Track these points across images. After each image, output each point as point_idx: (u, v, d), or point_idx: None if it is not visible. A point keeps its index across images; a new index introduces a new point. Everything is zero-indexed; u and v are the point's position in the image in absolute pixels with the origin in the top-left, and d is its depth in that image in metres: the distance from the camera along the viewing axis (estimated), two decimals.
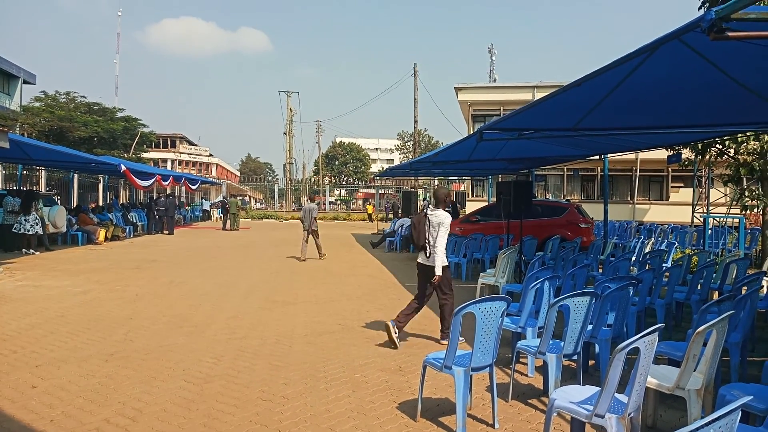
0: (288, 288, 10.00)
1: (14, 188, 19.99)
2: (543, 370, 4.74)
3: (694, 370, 3.59)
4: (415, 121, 41.74)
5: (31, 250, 14.53)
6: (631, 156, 25.34)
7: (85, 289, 9.37)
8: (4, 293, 8.94)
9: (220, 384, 4.75)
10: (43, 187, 25.89)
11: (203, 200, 45.41)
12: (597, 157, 12.97)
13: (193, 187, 33.82)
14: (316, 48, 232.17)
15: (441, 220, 6.07)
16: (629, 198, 28.10)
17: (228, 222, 27.38)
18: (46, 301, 8.34)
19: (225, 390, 4.61)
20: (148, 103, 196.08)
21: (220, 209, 32.07)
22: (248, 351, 5.82)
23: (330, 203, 53.59)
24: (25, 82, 37.80)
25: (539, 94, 24.34)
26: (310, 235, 14.45)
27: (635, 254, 10.77)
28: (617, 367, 2.95)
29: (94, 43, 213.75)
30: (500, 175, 21.00)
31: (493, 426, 3.96)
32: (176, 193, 38.03)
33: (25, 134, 29.66)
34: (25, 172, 23.72)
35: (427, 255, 6.16)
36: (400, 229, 18.46)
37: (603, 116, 7.48)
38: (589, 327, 4.74)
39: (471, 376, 3.98)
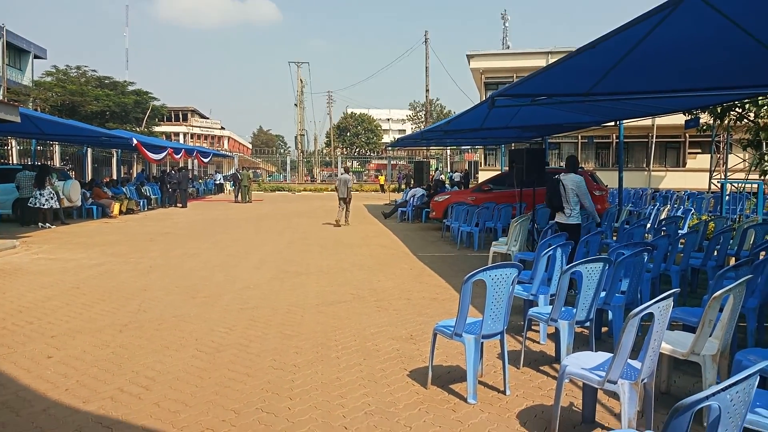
0: (300, 259, 10.03)
1: (29, 163, 20.14)
2: (555, 337, 4.70)
3: (710, 336, 3.52)
4: (427, 90, 41.21)
5: (47, 224, 14.70)
6: (648, 122, 24.83)
7: (100, 262, 9.47)
8: (21, 266, 9.07)
9: (231, 353, 4.78)
10: (57, 162, 26.09)
11: (216, 173, 45.60)
12: (612, 123, 12.71)
13: (205, 160, 33.92)
14: (326, 18, 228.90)
15: (575, 182, 7.19)
16: (645, 165, 27.66)
17: (240, 194, 27.46)
18: (62, 273, 8.44)
19: (237, 359, 4.64)
20: (159, 77, 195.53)
21: (232, 182, 32.15)
22: (260, 321, 5.85)
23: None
24: (35, 56, 37.81)
25: (553, 60, 23.84)
26: (342, 202, 15.82)
27: (650, 221, 10.62)
28: (630, 333, 2.90)
29: (103, 16, 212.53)
30: (513, 144, 20.72)
31: (504, 393, 3.95)
32: (189, 167, 38.18)
33: (38, 109, 29.80)
34: (39, 147, 23.90)
35: (567, 215, 7.17)
36: (411, 199, 18.37)
37: (618, 80, 7.27)
38: (603, 294, 4.67)
39: (482, 343, 3.95)
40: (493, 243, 8.98)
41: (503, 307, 3.89)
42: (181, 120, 69.31)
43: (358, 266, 9.28)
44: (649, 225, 9.87)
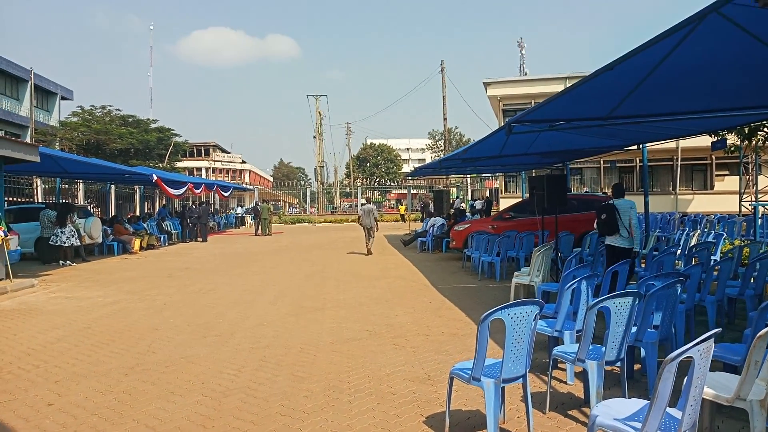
0: (317, 293, 9.80)
1: (52, 202, 20.45)
2: (583, 376, 4.36)
3: (757, 378, 3.18)
4: (444, 119, 41.21)
5: (68, 262, 14.77)
6: (672, 144, 24.35)
7: (115, 300, 9.36)
8: (36, 306, 9.00)
9: (238, 398, 4.53)
10: (81, 200, 26.52)
11: (238, 206, 45.97)
12: (635, 147, 12.40)
13: (226, 194, 34.18)
14: (343, 50, 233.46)
15: (629, 206, 7.83)
16: (671, 188, 27.02)
17: (260, 227, 27.48)
18: (76, 313, 8.34)
19: (243, 405, 4.38)
20: (181, 114, 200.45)
21: (253, 215, 32.28)
22: (271, 361, 5.60)
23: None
24: (62, 98, 38.99)
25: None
26: (369, 232, 16.54)
27: (680, 247, 10.18)
28: (668, 380, 2.58)
29: (128, 57, 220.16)
30: (533, 170, 20.43)
31: None
32: (210, 201, 38.55)
33: (65, 149, 30.49)
34: (64, 185, 24.35)
35: (623, 236, 7.67)
36: (431, 228, 18.09)
37: (640, 102, 7.03)
38: (633, 329, 4.34)
39: (503, 387, 3.65)
40: (515, 273, 8.64)
41: (524, 347, 3.59)
42: (203, 155, 70.53)
43: (375, 300, 9.01)
44: (679, 251, 9.44)
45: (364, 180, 74.09)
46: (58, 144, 31.75)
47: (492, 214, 22.08)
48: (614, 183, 9.19)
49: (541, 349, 5.58)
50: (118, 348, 6.22)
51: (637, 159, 26.14)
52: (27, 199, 23.62)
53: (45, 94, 37.13)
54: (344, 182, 74.35)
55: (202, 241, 23.36)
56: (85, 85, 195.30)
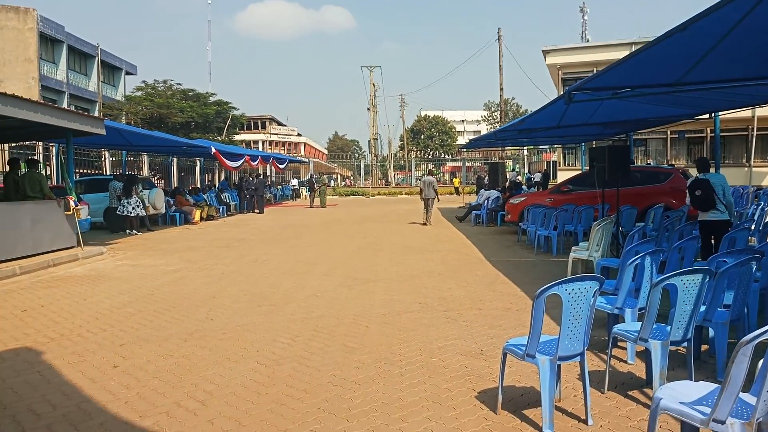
0: (369, 265, 9.84)
1: (119, 173, 21.39)
2: (645, 355, 4.16)
3: None
4: (501, 89, 40.13)
5: (134, 231, 15.45)
6: (747, 113, 22.76)
7: (177, 268, 9.72)
8: (104, 272, 9.47)
9: (291, 367, 4.60)
10: (146, 171, 27.61)
11: (294, 179, 46.75)
12: (706, 116, 11.66)
13: (281, 167, 34.73)
14: (398, 21, 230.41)
15: (722, 178, 7.83)
16: (744, 160, 25.40)
17: (316, 200, 27.85)
18: (140, 279, 8.71)
19: (296, 373, 4.44)
20: (239, 87, 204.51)
21: (308, 187, 32.75)
22: (324, 331, 5.66)
23: (417, 178, 53.16)
24: (127, 73, 40.44)
25: None
26: (427, 204, 17.09)
27: (754, 223, 9.56)
28: (742, 363, 2.39)
29: (188, 32, 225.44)
30: (594, 142, 19.63)
31: (586, 422, 3.49)
32: (267, 173, 39.31)
33: (131, 122, 31.69)
34: (130, 158, 25.38)
35: (721, 211, 7.53)
36: (486, 201, 17.78)
37: (714, 67, 6.54)
38: (702, 308, 4.09)
39: (559, 365, 3.52)
40: (573, 248, 8.36)
41: (583, 325, 3.44)
42: (259, 128, 71.78)
43: (427, 273, 8.95)
44: (753, 227, 8.87)
45: (418, 152, 73.58)
46: (123, 118, 33.05)
47: (549, 187, 21.47)
48: (699, 157, 9.04)
49: (600, 326, 5.38)
50: (178, 314, 6.45)
51: (708, 129, 24.66)
52: (96, 171, 24.79)
53: (111, 70, 38.62)
54: (398, 155, 74.12)
55: (258, 213, 23.93)
56: (148, 60, 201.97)
